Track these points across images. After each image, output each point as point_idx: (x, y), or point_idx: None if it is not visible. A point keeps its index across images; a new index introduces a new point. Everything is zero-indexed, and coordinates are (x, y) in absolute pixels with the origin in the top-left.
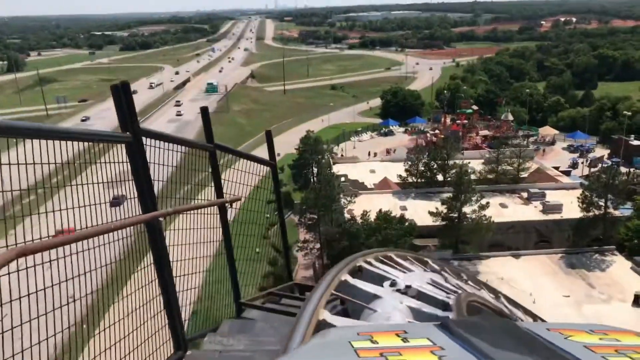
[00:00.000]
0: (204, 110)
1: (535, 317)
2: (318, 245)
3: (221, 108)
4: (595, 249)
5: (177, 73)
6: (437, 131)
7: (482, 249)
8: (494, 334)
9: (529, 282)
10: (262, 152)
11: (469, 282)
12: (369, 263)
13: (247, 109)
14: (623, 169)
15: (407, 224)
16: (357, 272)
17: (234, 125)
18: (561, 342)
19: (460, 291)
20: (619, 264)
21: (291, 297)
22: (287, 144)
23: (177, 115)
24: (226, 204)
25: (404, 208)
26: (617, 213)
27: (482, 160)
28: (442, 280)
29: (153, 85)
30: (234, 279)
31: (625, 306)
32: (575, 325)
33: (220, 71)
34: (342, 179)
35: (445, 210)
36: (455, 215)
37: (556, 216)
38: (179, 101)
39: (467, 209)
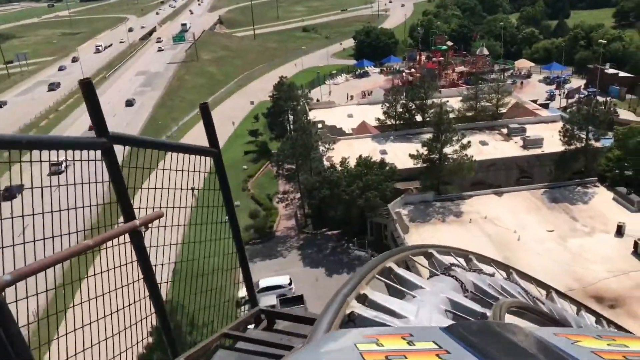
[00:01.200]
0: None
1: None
2: (298, 195)
3: (190, 57)
4: (577, 181)
5: (142, 27)
6: (412, 70)
7: (464, 188)
8: (500, 338)
9: (512, 219)
10: (237, 100)
11: (514, 275)
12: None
13: (217, 57)
14: (600, 99)
15: (387, 168)
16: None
17: (205, 75)
18: (568, 348)
19: (502, 295)
20: (601, 196)
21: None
22: (260, 91)
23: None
24: (141, 228)
25: (383, 152)
26: (598, 145)
27: (460, 98)
28: (483, 284)
29: (100, 48)
30: (168, 334)
31: (608, 237)
32: (583, 330)
33: (191, 13)
34: (319, 125)
35: (425, 152)
36: (436, 156)
37: (537, 151)
38: (159, 38)
39: (448, 150)
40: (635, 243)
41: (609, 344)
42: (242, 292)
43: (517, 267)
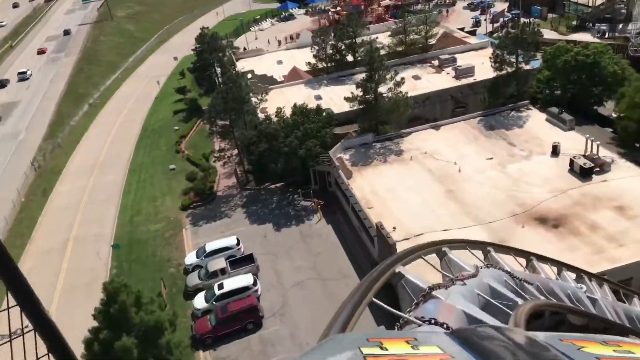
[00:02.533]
0: None
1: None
2: (236, 152)
3: (103, 16)
4: (511, 106)
5: None
6: (338, 8)
7: (402, 126)
8: (505, 344)
9: (452, 151)
10: (160, 57)
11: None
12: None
13: (133, 12)
14: (523, 20)
15: (325, 114)
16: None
17: (122, 34)
18: (573, 353)
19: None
20: (535, 118)
21: None
22: (183, 45)
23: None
24: None
25: (318, 97)
26: (528, 67)
27: (389, 33)
28: (500, 286)
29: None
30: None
31: (545, 158)
32: (589, 336)
33: None
34: (249, 75)
35: (360, 94)
36: (372, 96)
37: (469, 80)
38: None
39: (382, 89)
40: (571, 161)
41: (614, 350)
42: (190, 259)
43: (462, 199)
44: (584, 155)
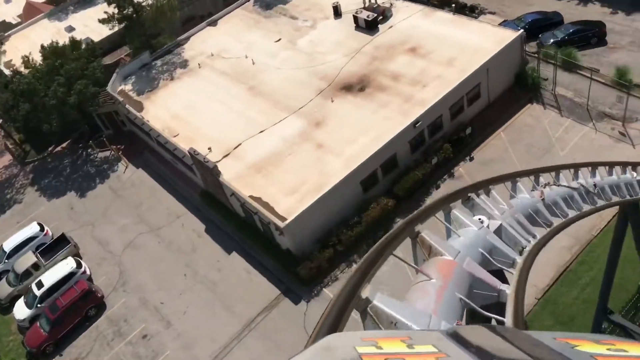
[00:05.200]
0: None
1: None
2: None
3: None
4: None
5: None
6: None
7: (177, 32)
8: (500, 342)
9: (238, 44)
10: None
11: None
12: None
13: None
14: None
15: (84, 46)
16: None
17: None
18: (568, 352)
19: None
20: None
21: None
22: None
23: None
24: None
25: (70, 29)
26: None
27: None
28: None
29: None
30: None
31: (330, 22)
32: (583, 335)
33: None
34: None
35: (116, 11)
36: (130, 10)
37: None
38: None
39: None
40: (354, 17)
41: (608, 349)
42: None
43: (266, 92)
44: (364, 8)
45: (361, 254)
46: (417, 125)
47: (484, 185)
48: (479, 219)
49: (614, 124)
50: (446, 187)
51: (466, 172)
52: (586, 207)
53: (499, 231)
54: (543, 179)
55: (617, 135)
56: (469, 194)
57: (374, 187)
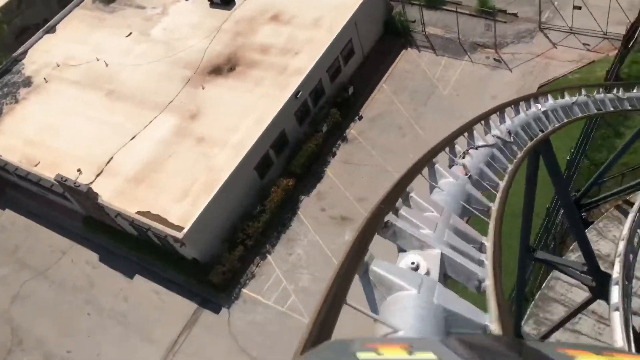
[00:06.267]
0: None
1: None
2: None
3: None
4: None
5: None
6: None
7: (11, 48)
8: (502, 352)
9: (85, 47)
10: None
11: None
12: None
13: None
14: None
15: None
16: None
17: None
18: None
19: None
20: None
21: None
22: None
23: None
24: None
25: None
26: None
27: None
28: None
29: None
30: None
31: (182, 5)
32: (583, 345)
33: None
34: None
35: None
36: None
37: None
38: None
39: None
40: None
41: None
42: None
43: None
44: None
45: (273, 242)
46: (298, 96)
47: (401, 194)
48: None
49: (487, 53)
50: (342, 152)
51: (358, 133)
52: (510, 166)
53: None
54: (459, 146)
55: (492, 63)
56: (385, 221)
57: (270, 170)
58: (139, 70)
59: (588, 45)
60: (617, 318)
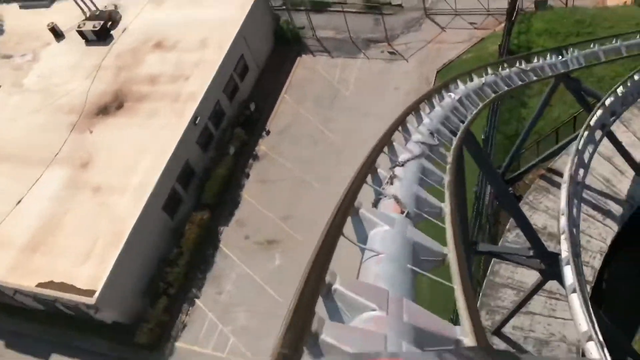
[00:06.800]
0: None
1: None
2: None
3: None
4: None
5: None
6: None
7: None
8: None
9: None
10: None
11: None
12: None
13: None
14: None
15: None
16: None
17: None
18: None
19: None
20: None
21: None
22: None
23: None
24: None
25: None
26: None
27: None
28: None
29: None
30: None
31: (54, 47)
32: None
33: None
34: None
35: None
36: None
37: None
38: None
39: None
40: (80, 32)
41: None
42: None
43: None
44: (87, 19)
45: (199, 284)
46: (197, 122)
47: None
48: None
49: (381, 47)
50: (256, 171)
51: (269, 148)
52: (445, 177)
53: None
54: (382, 170)
55: (387, 56)
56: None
57: (181, 207)
58: (16, 124)
59: (475, 23)
60: (576, 300)
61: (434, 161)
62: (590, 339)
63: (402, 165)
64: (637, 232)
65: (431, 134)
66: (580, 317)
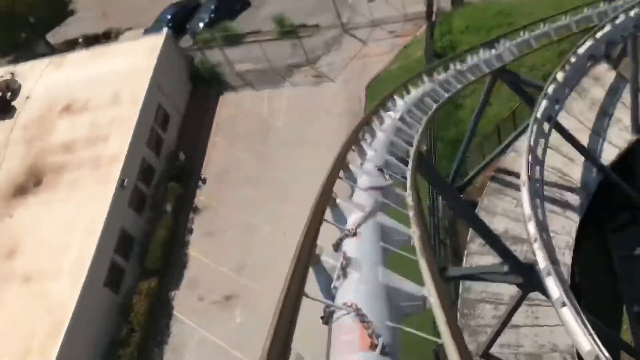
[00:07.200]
0: None
1: None
2: None
3: None
4: None
5: None
6: None
7: None
8: None
9: None
10: None
11: None
12: None
13: None
14: None
15: None
16: None
17: None
18: None
19: None
20: None
21: None
22: None
23: None
24: None
25: None
26: None
27: None
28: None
29: None
30: None
31: None
32: None
33: None
34: None
35: None
36: None
37: None
38: None
39: None
40: None
41: None
42: None
43: None
44: None
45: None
46: (125, 185)
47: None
48: None
49: (304, 72)
50: (199, 224)
51: (208, 198)
52: (412, 231)
53: None
54: (342, 237)
55: (313, 80)
56: None
57: (125, 279)
58: None
59: (395, 32)
60: (568, 314)
61: (391, 211)
62: (597, 358)
63: (354, 234)
64: (595, 220)
65: (380, 170)
66: (580, 336)
